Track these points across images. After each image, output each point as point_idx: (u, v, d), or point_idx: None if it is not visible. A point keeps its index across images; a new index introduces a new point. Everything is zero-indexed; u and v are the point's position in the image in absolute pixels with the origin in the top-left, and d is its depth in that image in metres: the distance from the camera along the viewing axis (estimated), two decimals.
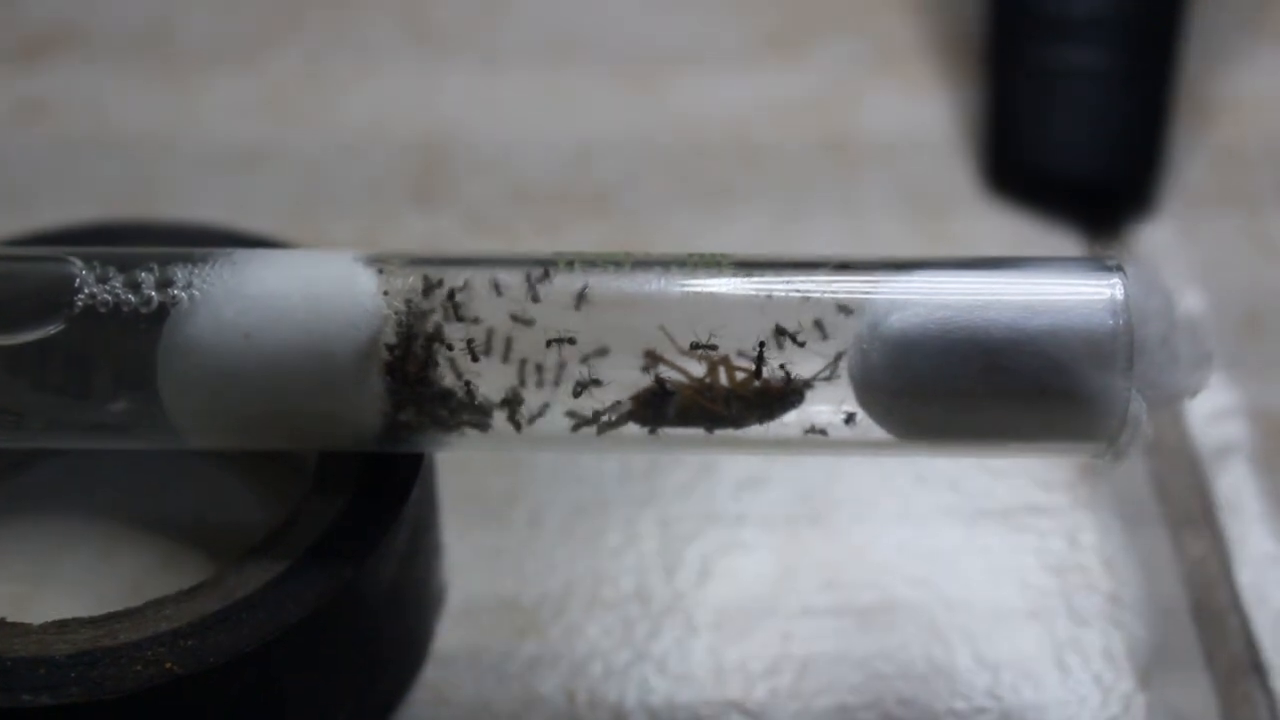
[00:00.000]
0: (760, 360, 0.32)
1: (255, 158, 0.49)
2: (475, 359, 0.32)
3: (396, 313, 0.32)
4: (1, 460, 0.37)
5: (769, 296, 0.32)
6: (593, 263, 0.33)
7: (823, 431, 0.32)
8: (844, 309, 0.32)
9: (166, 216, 0.42)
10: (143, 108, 0.51)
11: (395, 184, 0.49)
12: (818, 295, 0.32)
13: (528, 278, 0.32)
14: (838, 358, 0.32)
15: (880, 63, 0.53)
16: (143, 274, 0.33)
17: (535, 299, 0.32)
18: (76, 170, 0.49)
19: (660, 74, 0.52)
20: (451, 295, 0.32)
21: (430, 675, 0.37)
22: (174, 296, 0.32)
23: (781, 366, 0.32)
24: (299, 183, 0.49)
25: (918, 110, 0.51)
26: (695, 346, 0.32)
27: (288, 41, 0.53)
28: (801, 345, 0.32)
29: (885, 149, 0.50)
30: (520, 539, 0.40)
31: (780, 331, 0.32)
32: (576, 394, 0.32)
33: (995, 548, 0.40)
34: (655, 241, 0.47)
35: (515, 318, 0.32)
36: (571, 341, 0.32)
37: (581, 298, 0.32)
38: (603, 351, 0.32)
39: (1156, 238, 0.48)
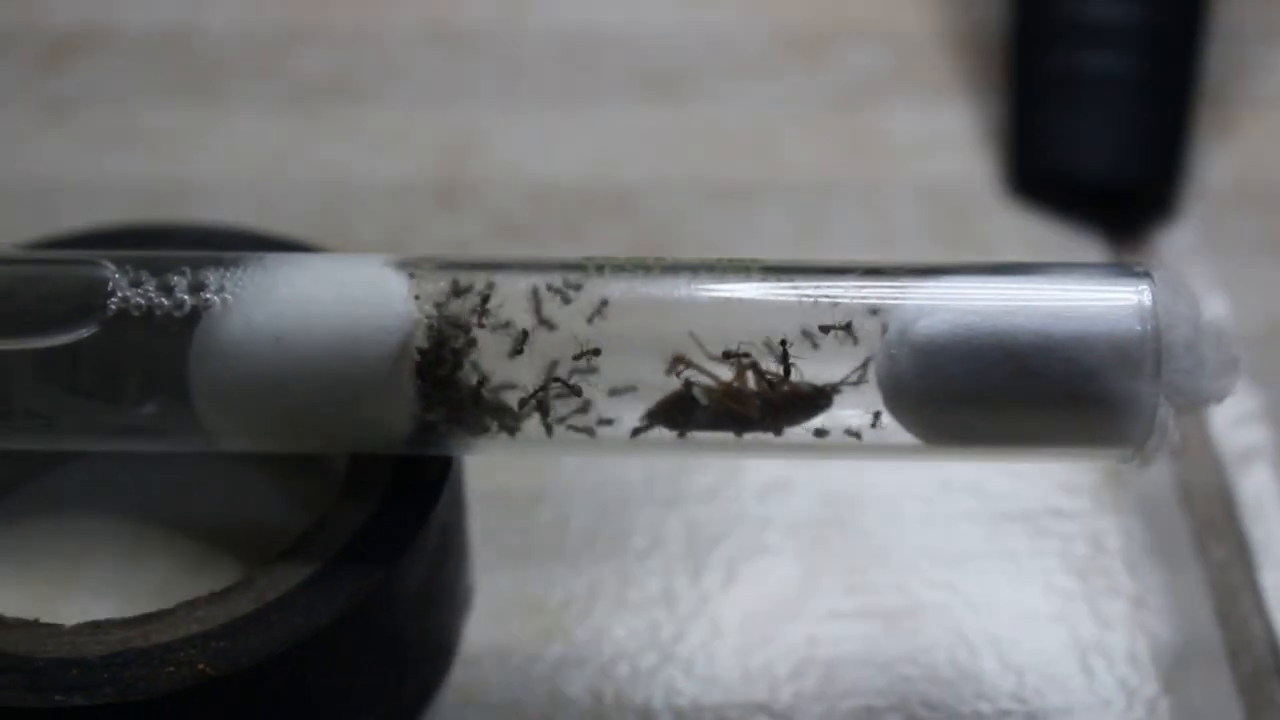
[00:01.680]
0: (786, 362, 0.32)
1: (281, 160, 0.50)
2: (514, 356, 0.32)
3: (427, 317, 0.32)
4: (32, 461, 0.37)
5: (798, 302, 0.32)
6: (621, 267, 0.33)
7: (856, 435, 0.32)
8: (872, 314, 0.32)
9: (192, 219, 0.42)
10: (169, 110, 0.51)
11: (421, 187, 0.49)
12: (846, 300, 0.32)
13: (557, 283, 0.32)
14: (866, 363, 0.32)
15: (903, 68, 0.53)
16: (175, 277, 0.33)
17: (567, 302, 0.32)
18: (103, 172, 0.49)
19: (683, 78, 0.53)
20: (483, 300, 0.32)
21: (458, 676, 0.37)
22: (206, 300, 0.32)
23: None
24: (325, 185, 0.49)
25: (941, 115, 0.51)
26: (728, 355, 0.32)
27: (314, 44, 0.53)
28: (825, 339, 0.32)
29: (908, 154, 0.50)
30: (546, 541, 0.40)
31: (806, 333, 0.32)
32: (581, 403, 0.32)
33: (1020, 551, 0.40)
34: (678, 245, 0.47)
35: (545, 323, 0.32)
36: (596, 353, 0.32)
37: (601, 309, 0.32)
38: (629, 384, 0.32)
39: (1179, 242, 0.48)
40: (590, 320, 0.32)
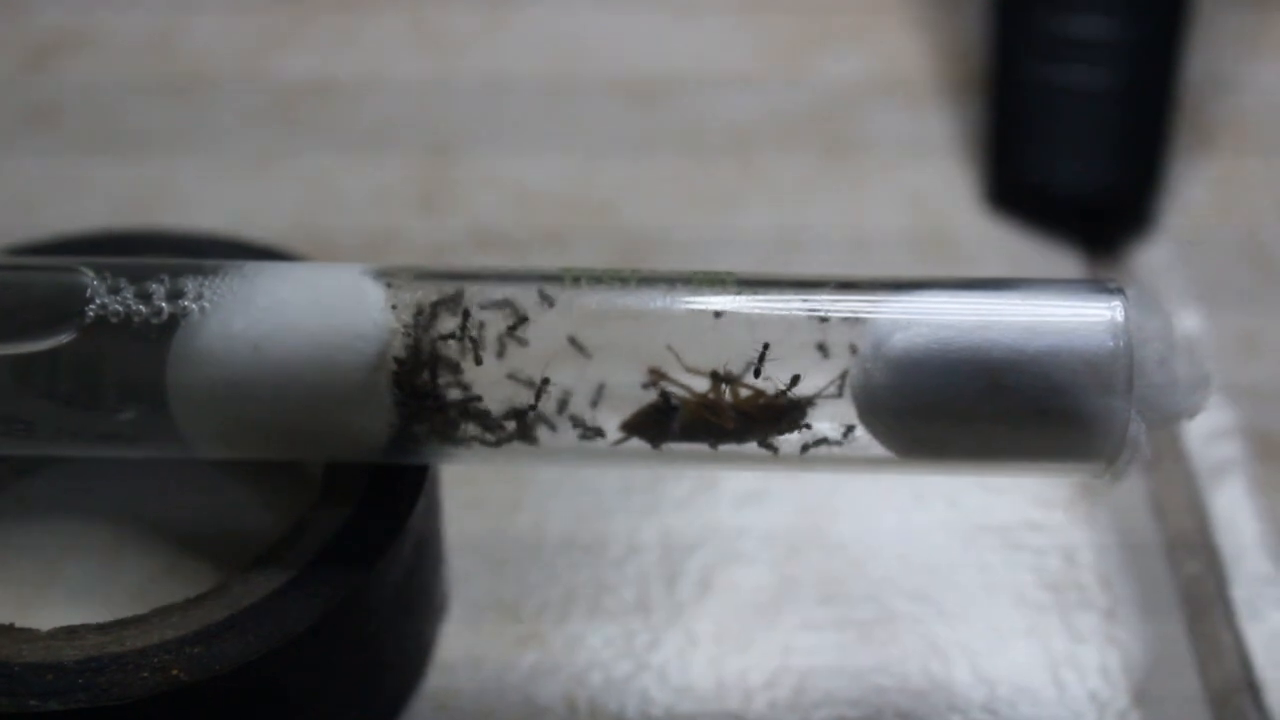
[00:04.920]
0: (760, 373, 0.32)
1: (263, 166, 0.50)
2: (479, 362, 0.32)
3: (404, 326, 0.32)
4: (9, 466, 0.37)
5: (773, 315, 0.32)
6: (599, 279, 0.33)
7: (826, 446, 0.33)
8: (847, 327, 0.32)
9: (174, 224, 0.42)
10: (152, 115, 0.51)
11: (402, 195, 0.49)
12: (821, 314, 0.32)
13: (535, 294, 0.33)
14: (841, 376, 0.32)
15: (883, 80, 0.53)
16: (153, 285, 0.33)
17: (551, 305, 0.32)
18: (86, 177, 0.49)
19: (665, 87, 0.53)
20: (463, 313, 0.32)
21: (432, 683, 0.37)
22: (184, 308, 0.33)
23: (794, 379, 0.32)
24: (306, 192, 0.49)
25: (920, 127, 0.51)
26: (715, 376, 0.32)
27: (296, 50, 0.54)
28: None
29: (887, 166, 0.50)
30: (522, 549, 0.40)
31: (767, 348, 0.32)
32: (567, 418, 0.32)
33: (993, 564, 0.40)
34: (659, 254, 0.47)
35: (517, 338, 0.32)
36: (547, 381, 0.32)
37: (577, 336, 0.32)
38: (606, 396, 0.32)
39: (1155, 257, 0.48)
40: (575, 344, 0.32)
